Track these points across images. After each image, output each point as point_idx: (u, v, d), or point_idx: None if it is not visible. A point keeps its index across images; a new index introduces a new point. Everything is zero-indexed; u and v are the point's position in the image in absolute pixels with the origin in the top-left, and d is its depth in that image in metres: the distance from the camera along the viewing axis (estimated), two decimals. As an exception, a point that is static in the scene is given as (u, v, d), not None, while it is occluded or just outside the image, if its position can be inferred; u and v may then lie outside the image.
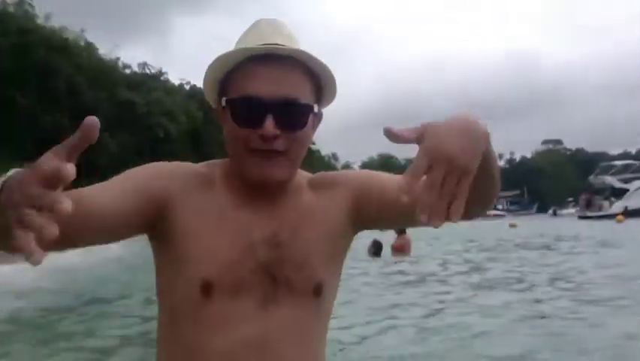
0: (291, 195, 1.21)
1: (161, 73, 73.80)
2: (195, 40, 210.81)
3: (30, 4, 57.40)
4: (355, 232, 1.29)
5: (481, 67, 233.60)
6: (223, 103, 1.13)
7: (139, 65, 72.29)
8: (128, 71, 68.30)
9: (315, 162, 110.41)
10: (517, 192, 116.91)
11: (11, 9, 56.44)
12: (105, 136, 52.15)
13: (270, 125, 1.05)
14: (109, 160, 53.54)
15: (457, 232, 21.15)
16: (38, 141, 48.65)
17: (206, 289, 1.09)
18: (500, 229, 29.72)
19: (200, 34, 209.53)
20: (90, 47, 62.10)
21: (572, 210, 74.71)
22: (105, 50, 66.69)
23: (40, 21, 56.48)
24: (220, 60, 1.10)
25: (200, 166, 1.23)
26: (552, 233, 24.85)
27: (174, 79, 77.78)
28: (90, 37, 63.54)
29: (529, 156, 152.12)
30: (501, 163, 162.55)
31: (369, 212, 1.23)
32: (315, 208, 1.22)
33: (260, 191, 1.16)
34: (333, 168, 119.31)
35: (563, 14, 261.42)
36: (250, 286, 1.12)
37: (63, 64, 50.54)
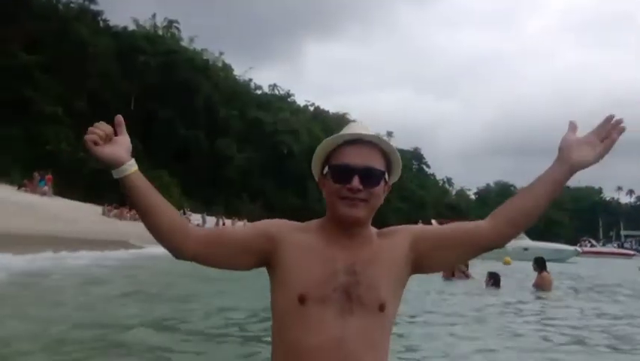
0: (366, 239, 1.68)
1: (288, 94, 78.06)
2: (323, 65, 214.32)
3: (177, 28, 63.26)
4: (412, 271, 1.73)
5: (613, 101, 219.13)
6: (325, 170, 1.68)
7: (269, 86, 77.07)
8: (259, 91, 72.66)
9: (430, 186, 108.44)
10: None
11: (160, 32, 62.26)
12: (234, 151, 55.55)
13: (356, 181, 1.58)
14: (237, 173, 56.85)
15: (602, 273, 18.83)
16: (176, 152, 52.92)
17: (302, 300, 1.57)
18: (630, 271, 25.20)
19: (327, 60, 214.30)
20: (227, 69, 67.04)
21: None
22: (240, 71, 71.45)
23: (184, 43, 61.64)
24: (327, 141, 1.69)
25: (302, 223, 1.75)
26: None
27: (300, 100, 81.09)
28: (227, 59, 68.46)
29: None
30: (631, 200, 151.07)
31: (425, 246, 1.71)
32: (382, 250, 1.67)
33: (344, 232, 1.64)
34: (446, 192, 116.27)
35: None
36: (332, 300, 1.57)
37: (202, 83, 54.43)
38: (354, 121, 1.77)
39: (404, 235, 1.72)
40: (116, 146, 1.54)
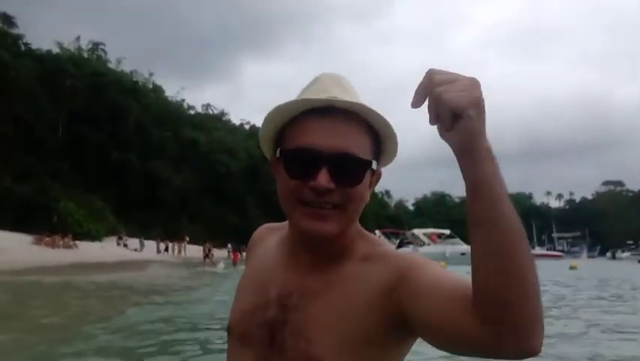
0: (332, 259, 1.07)
1: (223, 114, 78.33)
2: (261, 84, 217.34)
3: (103, 50, 61.91)
4: (394, 327, 0.98)
5: (549, 106, 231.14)
6: (278, 154, 1.05)
7: (202, 106, 77.37)
8: (192, 112, 72.16)
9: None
10: (578, 233, 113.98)
11: (85, 54, 60.63)
12: (170, 173, 54.49)
13: (323, 177, 0.97)
14: (174, 195, 55.64)
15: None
16: (109, 176, 51.25)
17: (228, 332, 1.14)
18: (562, 270, 28.63)
19: (266, 78, 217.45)
20: (158, 90, 66.24)
21: (627, 254, 73.69)
22: (172, 92, 70.83)
23: (111, 65, 60.49)
24: (279, 110, 1.02)
25: (275, 225, 1.27)
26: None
27: (235, 119, 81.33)
28: (159, 80, 67.84)
29: (589, 197, 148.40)
30: (560, 204, 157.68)
31: (410, 307, 0.94)
32: (349, 280, 1.04)
33: (307, 249, 1.09)
34: (385, 205, 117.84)
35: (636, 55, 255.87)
36: (252, 341, 1.07)
37: (132, 105, 53.25)
38: (324, 74, 1.08)
39: (388, 269, 1.01)
40: None
